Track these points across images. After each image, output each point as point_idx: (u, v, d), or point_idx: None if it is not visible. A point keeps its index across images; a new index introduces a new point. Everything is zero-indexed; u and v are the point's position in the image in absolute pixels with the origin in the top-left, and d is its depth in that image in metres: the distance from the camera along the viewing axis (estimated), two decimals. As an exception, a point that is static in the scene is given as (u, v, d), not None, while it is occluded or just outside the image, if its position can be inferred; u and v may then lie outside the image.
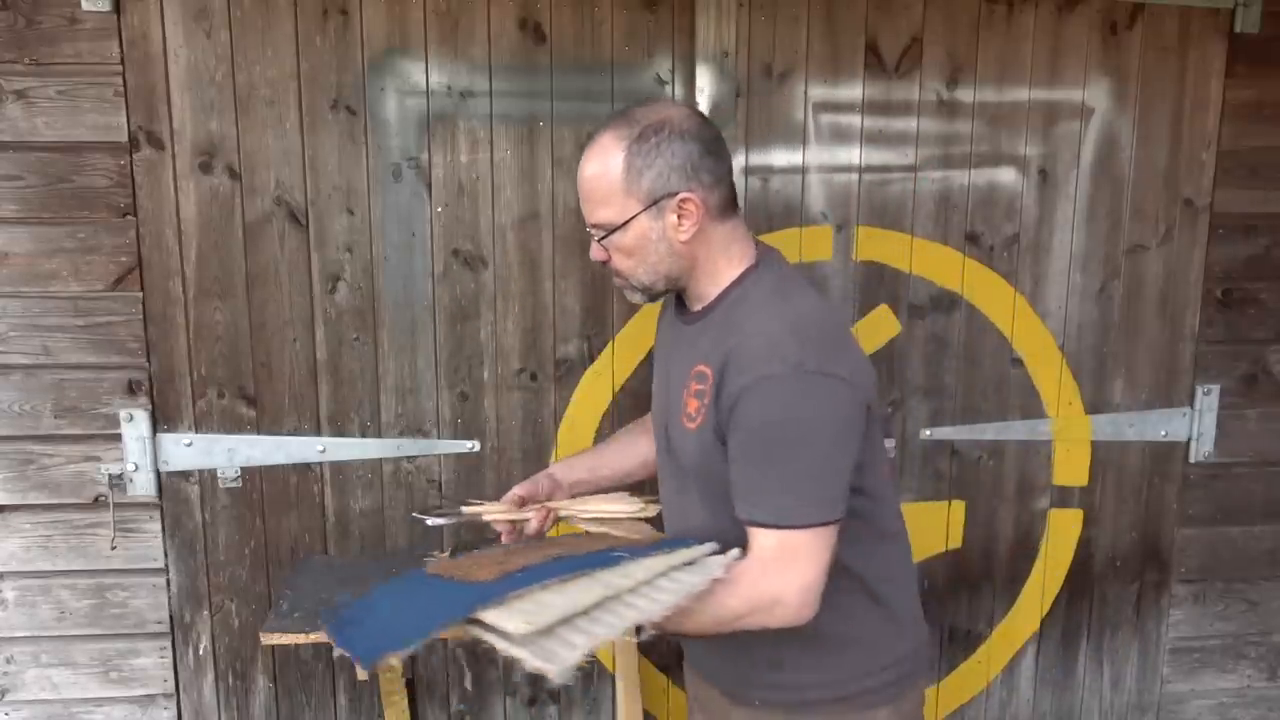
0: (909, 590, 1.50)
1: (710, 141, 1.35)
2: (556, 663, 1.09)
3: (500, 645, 1.13)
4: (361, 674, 1.66)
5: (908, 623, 1.48)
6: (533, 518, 1.57)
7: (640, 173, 1.32)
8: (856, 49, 2.10)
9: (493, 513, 1.57)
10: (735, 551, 1.28)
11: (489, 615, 1.18)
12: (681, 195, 1.33)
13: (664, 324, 1.57)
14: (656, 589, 1.25)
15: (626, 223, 1.34)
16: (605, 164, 1.34)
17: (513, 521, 1.57)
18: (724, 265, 1.39)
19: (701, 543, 1.34)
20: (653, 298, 1.44)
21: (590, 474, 1.68)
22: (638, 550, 1.36)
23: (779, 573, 1.27)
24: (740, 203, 2.08)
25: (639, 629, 1.18)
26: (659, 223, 1.34)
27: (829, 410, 1.26)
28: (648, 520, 1.62)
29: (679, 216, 1.34)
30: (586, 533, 1.67)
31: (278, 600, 1.91)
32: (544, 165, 2.08)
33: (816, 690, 1.44)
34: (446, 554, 1.99)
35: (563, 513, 1.61)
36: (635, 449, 1.71)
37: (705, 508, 1.41)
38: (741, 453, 1.29)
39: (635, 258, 1.37)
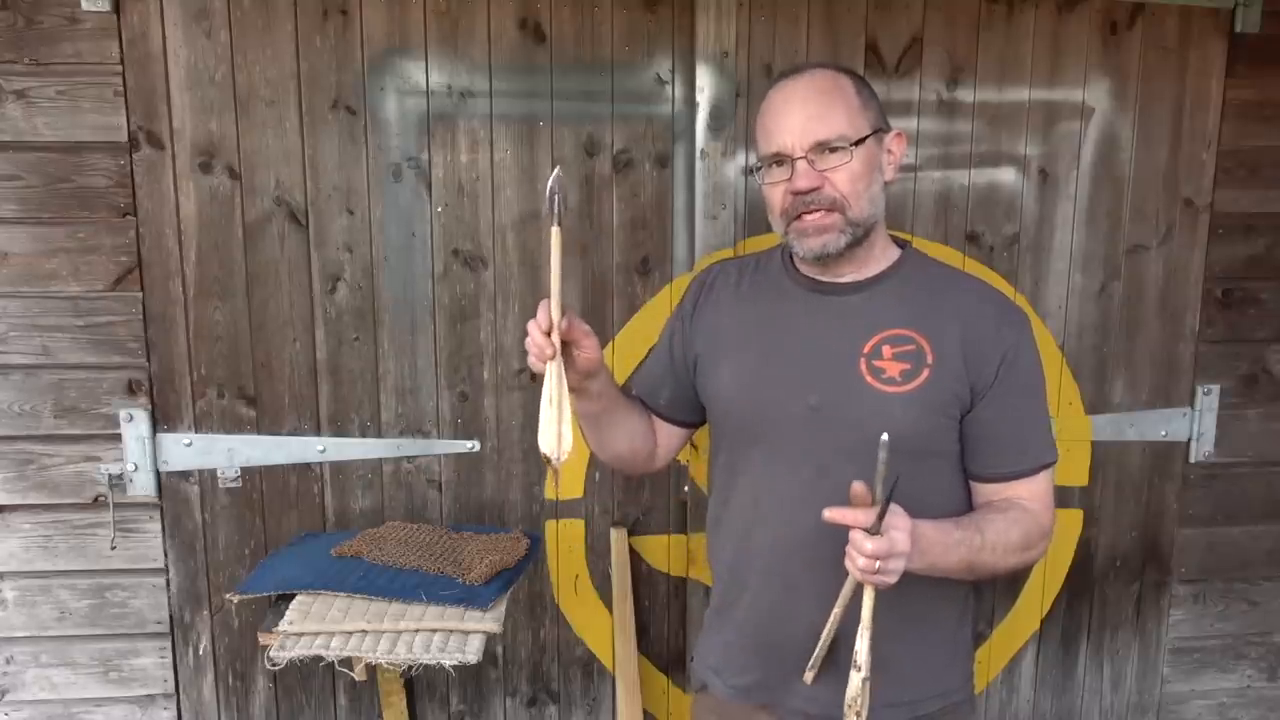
0: None
1: None
2: (283, 652, 1.60)
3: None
4: (360, 675, 1.66)
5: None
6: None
7: (868, 101, 1.33)
8: (856, 49, 2.10)
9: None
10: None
11: (301, 595, 1.74)
12: (896, 131, 1.36)
13: (750, 298, 1.44)
14: (402, 640, 1.62)
15: (864, 139, 1.29)
16: (836, 83, 1.31)
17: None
18: (885, 235, 1.40)
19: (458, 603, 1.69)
20: (851, 243, 1.32)
21: (609, 391, 1.42)
22: (432, 595, 1.72)
23: (1050, 507, 1.38)
24: (742, 203, 2.12)
25: (879, 524, 1.12)
26: (878, 153, 1.33)
27: None
28: None
29: (890, 153, 1.35)
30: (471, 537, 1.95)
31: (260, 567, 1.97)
32: (544, 165, 2.08)
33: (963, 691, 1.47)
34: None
35: None
36: (638, 422, 1.51)
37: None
38: (1020, 401, 1.34)
39: (862, 182, 1.30)
